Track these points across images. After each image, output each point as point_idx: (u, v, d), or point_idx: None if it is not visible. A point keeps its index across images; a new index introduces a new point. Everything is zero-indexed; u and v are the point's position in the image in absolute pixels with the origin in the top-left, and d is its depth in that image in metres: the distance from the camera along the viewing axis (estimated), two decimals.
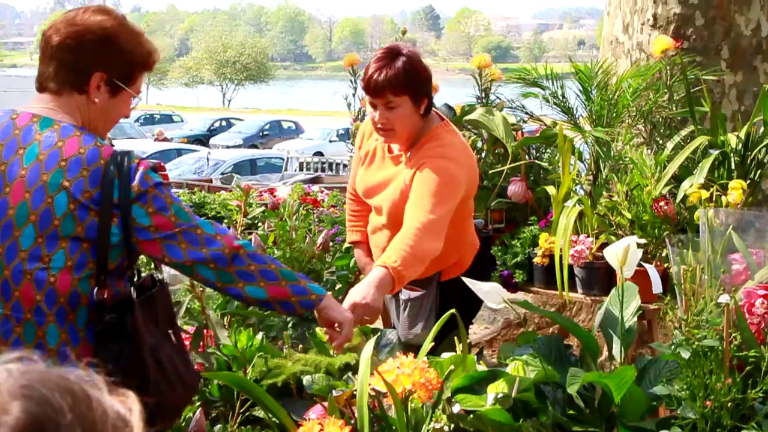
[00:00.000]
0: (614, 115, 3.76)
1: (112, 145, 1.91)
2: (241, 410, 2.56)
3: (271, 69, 60.64)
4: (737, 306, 2.17)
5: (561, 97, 3.90)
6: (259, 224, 3.87)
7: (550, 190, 3.48)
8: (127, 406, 0.80)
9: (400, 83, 2.66)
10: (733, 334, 2.13)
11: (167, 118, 35.27)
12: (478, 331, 5.81)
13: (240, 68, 53.04)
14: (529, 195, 3.74)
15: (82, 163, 1.85)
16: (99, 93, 1.93)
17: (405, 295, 2.96)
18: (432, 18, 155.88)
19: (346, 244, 3.35)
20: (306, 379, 2.61)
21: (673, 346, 2.18)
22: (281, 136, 30.00)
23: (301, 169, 16.28)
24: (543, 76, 3.87)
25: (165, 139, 22.08)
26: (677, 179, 3.46)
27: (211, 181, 12.82)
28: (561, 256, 3.09)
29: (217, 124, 32.76)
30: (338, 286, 3.39)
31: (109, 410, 0.78)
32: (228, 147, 26.07)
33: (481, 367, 2.55)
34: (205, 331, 2.83)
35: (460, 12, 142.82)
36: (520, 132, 3.95)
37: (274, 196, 5.17)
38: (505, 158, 3.80)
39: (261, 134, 29.79)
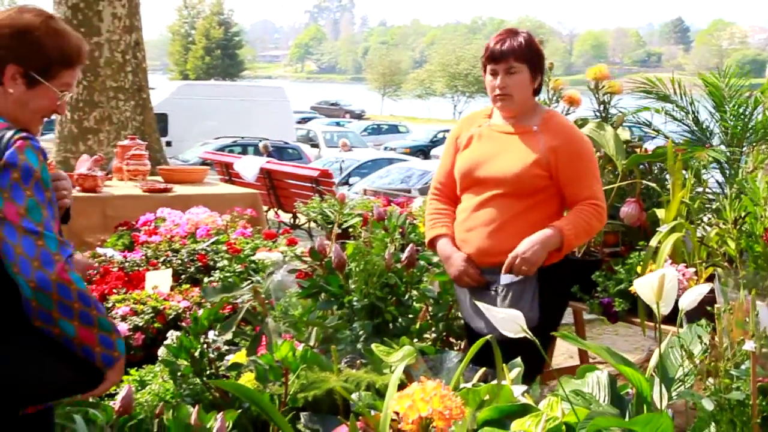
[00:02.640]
0: (750, 132, 3.37)
1: (30, 136, 1.90)
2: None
3: None
4: None
5: (693, 113, 3.56)
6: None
7: (660, 213, 3.17)
8: None
9: (522, 51, 3.00)
10: None
11: (393, 129, 36.09)
12: (631, 358, 5.45)
13: (472, 81, 53.14)
14: (643, 217, 3.43)
15: None
16: (15, 84, 1.99)
17: (506, 280, 2.96)
18: (681, 30, 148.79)
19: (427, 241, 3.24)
20: (353, 396, 2.56)
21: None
22: None
23: None
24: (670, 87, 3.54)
25: (349, 150, 22.56)
26: None
27: (409, 191, 12.92)
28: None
29: (440, 135, 33.07)
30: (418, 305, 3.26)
31: None
32: None
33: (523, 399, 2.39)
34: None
35: (713, 24, 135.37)
36: (643, 149, 3.63)
37: (404, 207, 5.14)
38: (623, 177, 3.51)
39: None
